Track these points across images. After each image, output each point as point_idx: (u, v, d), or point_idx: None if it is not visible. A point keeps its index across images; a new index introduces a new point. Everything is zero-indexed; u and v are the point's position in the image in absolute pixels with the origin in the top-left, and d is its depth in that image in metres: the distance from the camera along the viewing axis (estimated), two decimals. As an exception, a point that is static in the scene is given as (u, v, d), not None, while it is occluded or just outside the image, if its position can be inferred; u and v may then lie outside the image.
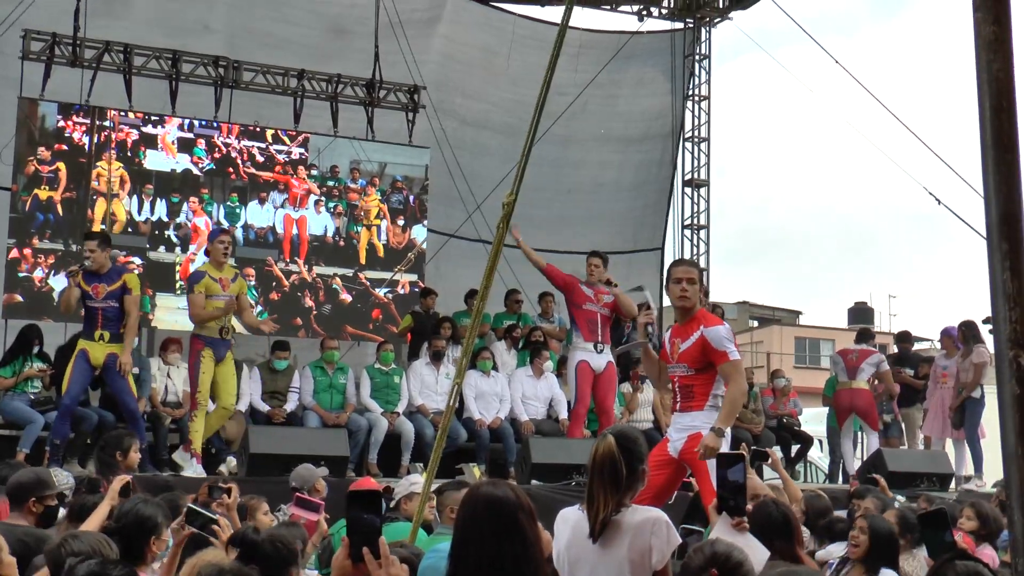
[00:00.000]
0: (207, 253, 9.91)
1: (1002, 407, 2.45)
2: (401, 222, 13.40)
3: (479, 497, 2.92)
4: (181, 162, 12.41)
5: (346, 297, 13.12)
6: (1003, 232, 2.45)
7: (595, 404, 10.34)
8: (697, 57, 16.21)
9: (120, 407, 9.13)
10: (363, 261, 13.17)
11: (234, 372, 9.54)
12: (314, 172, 13.01)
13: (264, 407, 10.44)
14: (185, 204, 12.42)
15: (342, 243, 13.11)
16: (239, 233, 12.59)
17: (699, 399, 6.30)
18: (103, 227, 11.58)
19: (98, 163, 11.99)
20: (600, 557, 3.67)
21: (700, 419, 6.27)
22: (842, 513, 6.83)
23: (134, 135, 12.18)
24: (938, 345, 23.64)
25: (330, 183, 13.11)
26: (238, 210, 12.68)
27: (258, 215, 12.76)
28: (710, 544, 3.02)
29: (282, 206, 12.83)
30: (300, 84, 12.82)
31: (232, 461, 9.57)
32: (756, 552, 3.47)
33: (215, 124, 12.42)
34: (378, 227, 13.25)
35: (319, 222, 13.05)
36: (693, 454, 6.19)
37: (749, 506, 3.90)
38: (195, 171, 12.46)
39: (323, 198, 13.05)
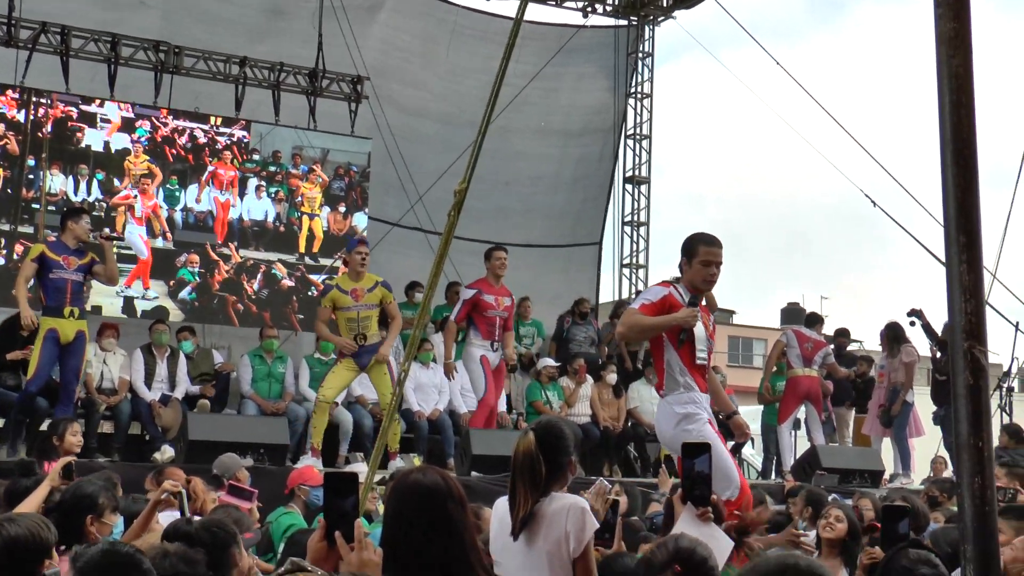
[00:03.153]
0: (345, 263, 9.84)
1: (955, 397, 2.49)
2: (343, 209, 13.32)
3: (407, 486, 2.88)
4: (120, 141, 12.20)
5: (287, 283, 13.01)
6: (960, 224, 2.50)
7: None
8: (640, 55, 16.27)
9: (62, 385, 8.95)
10: (302, 248, 13.08)
11: (385, 371, 9.57)
12: (255, 157, 12.88)
13: (195, 389, 10.52)
14: (122, 184, 12.20)
15: (283, 229, 13.00)
16: (178, 216, 12.44)
17: None
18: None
19: (33, 141, 11.75)
20: (521, 552, 3.66)
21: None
22: (781, 507, 6.94)
23: (73, 112, 11.95)
24: (867, 347, 24.06)
25: (272, 168, 12.98)
26: (178, 193, 12.51)
27: (197, 198, 12.63)
28: (674, 539, 3.00)
29: (209, 187, 12.69)
30: (242, 71, 12.68)
31: (168, 450, 9.46)
32: (720, 543, 3.48)
33: (155, 108, 12.24)
34: (320, 216, 13.18)
35: (259, 207, 12.92)
36: None
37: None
38: (134, 151, 12.26)
39: (264, 183, 12.91)
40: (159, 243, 12.37)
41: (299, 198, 13.09)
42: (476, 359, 10.17)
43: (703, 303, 5.77)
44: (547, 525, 3.60)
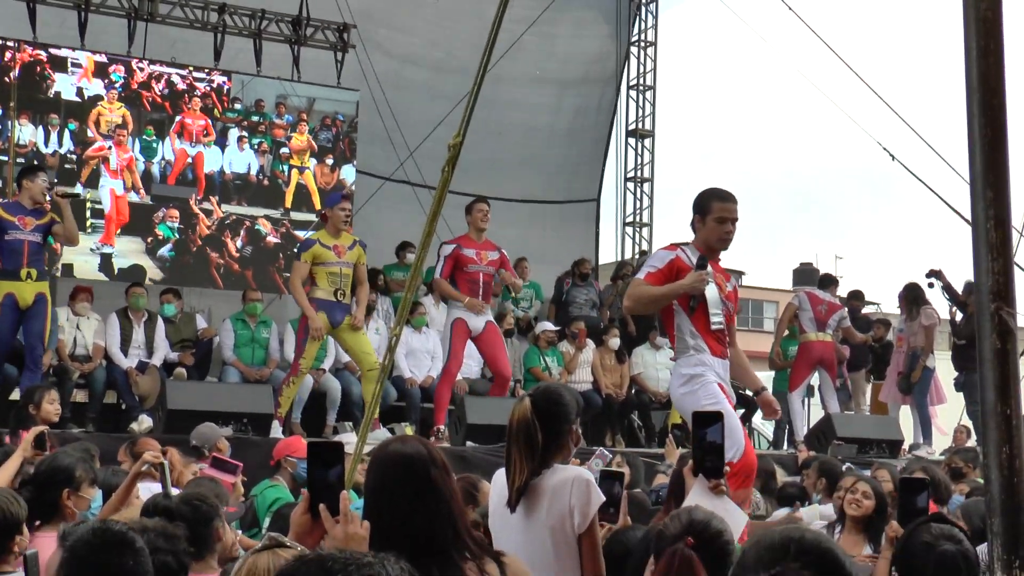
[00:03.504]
0: (323, 218, 9.83)
1: (981, 362, 2.48)
2: (330, 161, 13.22)
3: (388, 456, 2.89)
4: (93, 88, 12.07)
5: (272, 239, 12.93)
6: (988, 180, 2.47)
7: (489, 366, 10.26)
8: (643, 0, 16.17)
9: (27, 351, 8.90)
10: (288, 204, 12.98)
11: (363, 331, 9.56)
12: (237, 106, 12.75)
13: (175, 356, 10.49)
14: (95, 135, 12.05)
15: (267, 182, 12.89)
16: (155, 170, 12.32)
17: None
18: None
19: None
20: (521, 526, 3.65)
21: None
22: (795, 479, 6.96)
23: (43, 56, 11.84)
24: (884, 310, 24.05)
25: (254, 118, 12.85)
26: (155, 144, 12.38)
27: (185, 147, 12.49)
28: (687, 511, 2.98)
29: (179, 139, 12.49)
30: (221, 19, 12.59)
31: (146, 420, 9.47)
32: (734, 516, 3.47)
33: (129, 57, 12.15)
34: (309, 168, 13.09)
35: (242, 159, 12.78)
36: None
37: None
38: (107, 97, 12.12)
39: (246, 134, 12.78)
40: (135, 197, 12.24)
41: (285, 149, 13.00)
42: (450, 323, 9.86)
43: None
44: (550, 498, 3.60)
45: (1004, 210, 2.49)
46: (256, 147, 12.86)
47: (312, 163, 13.12)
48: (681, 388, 5.69)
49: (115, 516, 4.49)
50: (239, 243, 12.73)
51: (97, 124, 12.08)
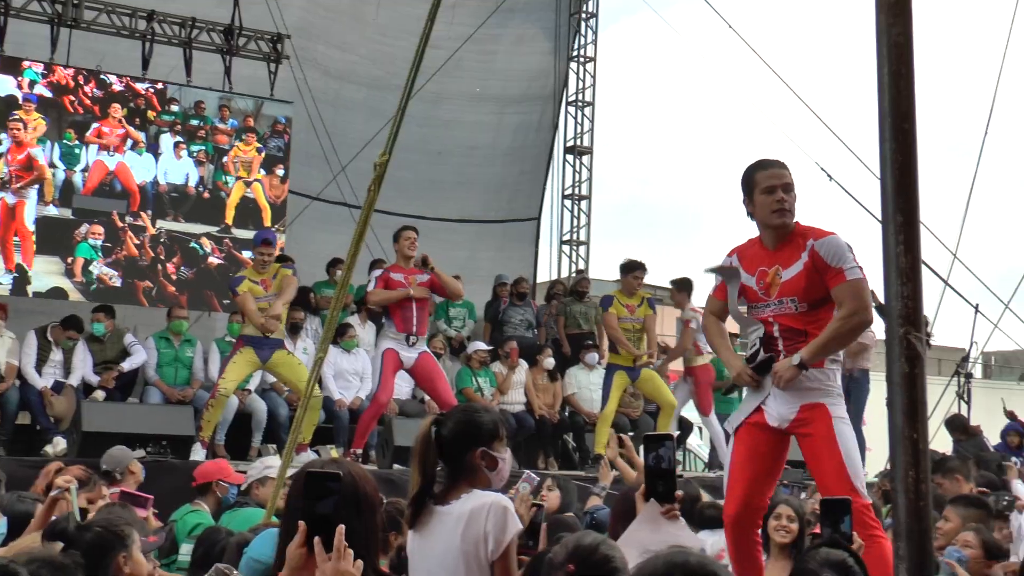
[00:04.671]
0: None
1: (891, 386, 2.54)
2: (280, 172, 12.71)
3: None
4: (4, 86, 11.45)
5: (214, 260, 12.38)
6: (898, 204, 2.54)
7: (434, 401, 10.16)
8: (583, 15, 16.28)
9: None
10: (229, 220, 12.32)
11: (298, 362, 9.64)
12: (174, 108, 12.25)
13: (95, 379, 10.24)
14: (5, 136, 11.36)
15: (207, 195, 12.25)
16: (77, 179, 11.66)
17: None
18: None
19: None
20: (435, 551, 3.63)
21: (818, 379, 5.01)
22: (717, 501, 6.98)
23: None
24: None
25: (194, 122, 12.21)
26: (77, 150, 11.70)
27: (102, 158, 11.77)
28: (576, 538, 2.98)
29: (94, 149, 11.69)
30: (150, 27, 12.47)
31: (60, 442, 9.33)
32: (687, 542, 3.45)
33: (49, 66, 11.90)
34: (259, 181, 12.47)
35: (179, 169, 12.13)
36: (810, 431, 5.01)
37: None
38: (21, 98, 11.48)
39: (183, 140, 12.17)
40: (52, 211, 11.57)
41: (228, 159, 12.33)
42: (379, 353, 9.72)
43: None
44: (465, 524, 3.58)
45: (914, 235, 2.55)
46: (194, 155, 12.23)
47: (261, 173, 12.56)
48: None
49: (22, 541, 4.44)
50: (176, 265, 12.01)
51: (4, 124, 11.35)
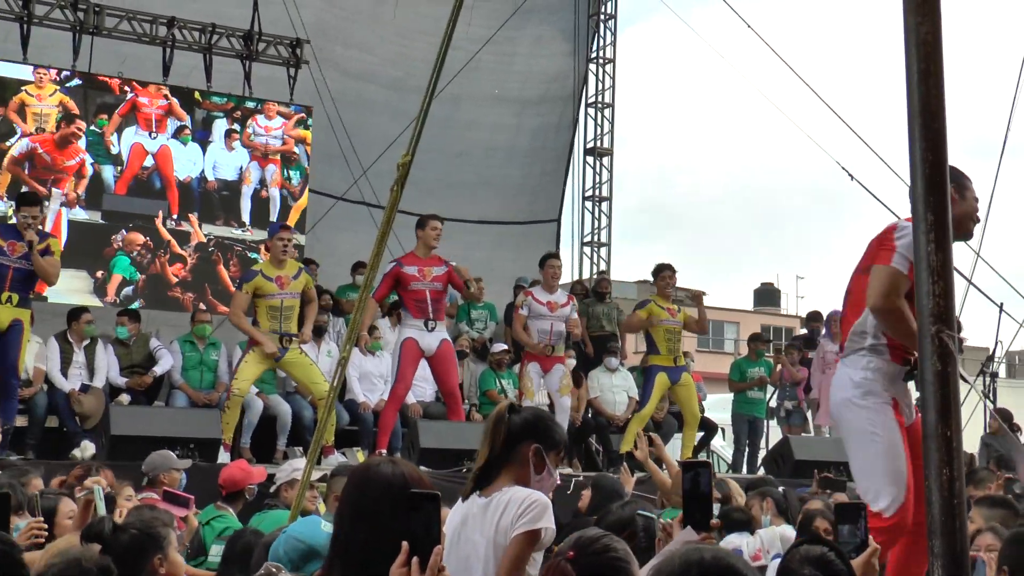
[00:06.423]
0: (266, 248, 9.30)
1: (923, 384, 2.54)
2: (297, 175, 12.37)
3: (370, 476, 2.85)
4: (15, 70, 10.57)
5: None
6: (929, 203, 2.55)
7: (439, 387, 10.23)
8: (602, 17, 16.29)
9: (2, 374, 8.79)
10: (292, 222, 11.40)
11: (310, 362, 9.56)
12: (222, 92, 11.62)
13: (122, 381, 10.27)
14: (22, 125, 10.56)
15: (265, 194, 11.34)
16: (109, 173, 10.99)
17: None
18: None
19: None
20: (463, 535, 3.68)
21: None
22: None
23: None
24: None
25: (249, 104, 11.33)
26: (110, 137, 11.06)
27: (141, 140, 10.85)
28: (581, 531, 3.08)
29: (135, 128, 10.55)
30: (170, 33, 12.55)
31: (89, 446, 9.37)
32: None
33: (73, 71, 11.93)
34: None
35: (230, 162, 11.06)
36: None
37: None
38: (36, 83, 10.92)
39: (237, 128, 11.19)
40: (81, 214, 10.75)
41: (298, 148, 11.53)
42: (398, 343, 9.81)
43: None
44: (501, 513, 3.61)
45: (944, 233, 2.56)
46: (250, 144, 11.02)
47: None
48: (851, 392, 4.86)
49: (58, 543, 4.47)
50: (232, 276, 10.83)
51: (21, 114, 10.83)
